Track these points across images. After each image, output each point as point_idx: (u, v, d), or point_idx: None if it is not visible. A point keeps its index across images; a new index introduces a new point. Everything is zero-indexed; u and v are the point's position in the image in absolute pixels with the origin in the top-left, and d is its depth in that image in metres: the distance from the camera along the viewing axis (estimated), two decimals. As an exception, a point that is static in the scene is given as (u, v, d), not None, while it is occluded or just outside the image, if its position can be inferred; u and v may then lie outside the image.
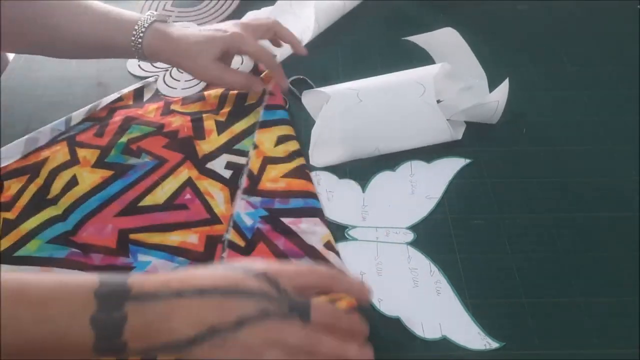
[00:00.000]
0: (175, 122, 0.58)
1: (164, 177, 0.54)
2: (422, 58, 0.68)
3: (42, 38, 0.55)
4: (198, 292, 0.33)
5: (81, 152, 0.56)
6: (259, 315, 0.33)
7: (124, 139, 0.57)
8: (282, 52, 0.67)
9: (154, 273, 0.44)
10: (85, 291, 0.32)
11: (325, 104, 0.55)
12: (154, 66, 0.66)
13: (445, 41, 0.65)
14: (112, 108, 0.61)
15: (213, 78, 0.57)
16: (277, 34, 0.60)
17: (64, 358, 0.32)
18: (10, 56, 0.76)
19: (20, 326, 0.30)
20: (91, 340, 0.31)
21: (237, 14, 0.73)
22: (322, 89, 0.56)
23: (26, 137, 0.57)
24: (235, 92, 0.62)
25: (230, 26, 0.57)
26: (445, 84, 0.61)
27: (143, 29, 0.54)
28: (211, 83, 0.62)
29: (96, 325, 0.31)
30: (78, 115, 0.60)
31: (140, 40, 0.54)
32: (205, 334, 0.32)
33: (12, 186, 0.53)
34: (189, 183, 0.54)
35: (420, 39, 0.69)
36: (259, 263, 0.36)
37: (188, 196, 0.53)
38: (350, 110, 0.56)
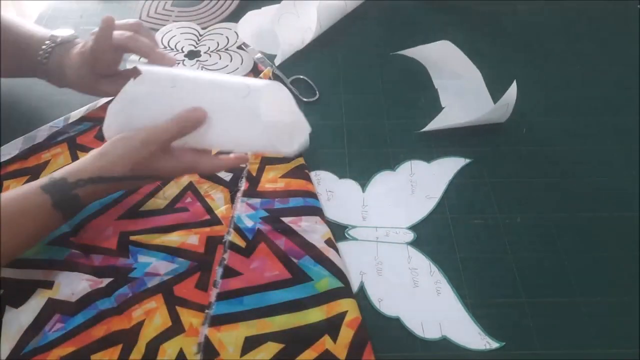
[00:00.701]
0: None
1: (165, 182, 0.54)
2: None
3: None
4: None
5: (82, 155, 0.56)
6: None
7: None
8: (283, 52, 0.67)
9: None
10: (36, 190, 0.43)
11: (133, 79, 0.48)
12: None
13: (439, 52, 0.65)
14: None
15: (88, 90, 0.55)
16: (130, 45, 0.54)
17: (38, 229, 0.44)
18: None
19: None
20: (49, 200, 0.43)
21: (237, 14, 0.73)
22: (141, 66, 0.48)
23: (24, 135, 0.57)
24: None
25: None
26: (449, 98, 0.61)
27: (52, 45, 0.54)
28: (86, 93, 0.57)
29: (48, 191, 0.43)
30: (77, 113, 0.60)
31: (47, 55, 0.54)
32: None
33: (11, 186, 0.53)
34: (190, 187, 0.53)
35: (413, 52, 0.68)
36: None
37: (189, 199, 0.53)
38: (158, 94, 0.48)
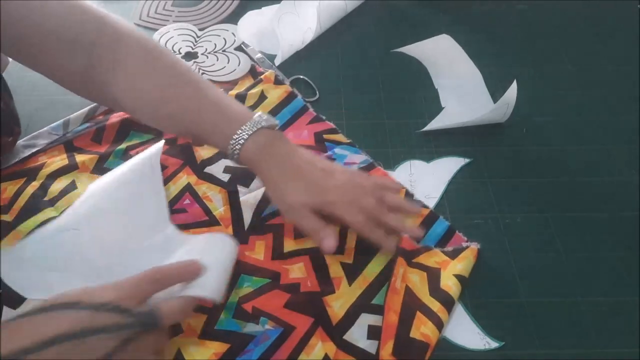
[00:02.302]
0: None
1: (163, 183, 0.54)
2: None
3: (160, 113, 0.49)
4: (49, 343, 0.33)
5: (79, 157, 0.56)
6: (122, 344, 0.35)
7: (122, 146, 0.57)
8: (283, 52, 0.67)
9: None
10: None
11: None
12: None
13: (438, 49, 0.65)
14: (110, 110, 0.61)
15: (290, 215, 0.47)
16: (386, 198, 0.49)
17: None
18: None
19: None
20: None
21: (237, 14, 0.73)
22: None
23: (22, 142, 0.57)
24: (233, 95, 0.62)
25: (343, 175, 0.48)
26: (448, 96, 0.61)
27: (246, 135, 0.47)
28: (288, 220, 0.51)
29: None
30: (76, 118, 0.59)
31: (239, 146, 0.47)
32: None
33: (9, 188, 0.53)
34: (188, 188, 0.53)
35: (412, 50, 0.68)
36: (98, 292, 0.37)
37: (187, 201, 0.53)
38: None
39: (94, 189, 0.52)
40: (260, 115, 0.48)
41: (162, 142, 0.56)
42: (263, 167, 0.48)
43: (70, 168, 0.55)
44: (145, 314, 0.37)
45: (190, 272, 0.41)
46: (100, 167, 0.55)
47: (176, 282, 0.41)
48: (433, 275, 0.46)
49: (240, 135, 0.47)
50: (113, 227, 0.49)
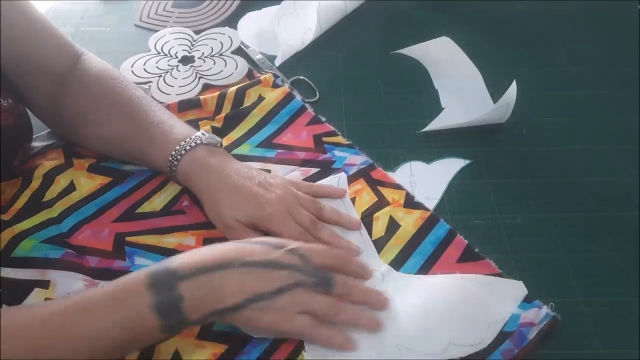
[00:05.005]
0: None
1: (162, 185, 0.54)
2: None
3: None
4: (242, 265, 0.39)
5: (77, 162, 0.55)
6: (293, 285, 0.40)
7: None
8: (283, 53, 0.67)
9: (190, 251, 0.42)
10: (139, 287, 0.37)
11: None
12: (147, 72, 0.65)
13: (438, 50, 0.65)
14: None
15: (229, 234, 0.48)
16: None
17: (140, 345, 0.40)
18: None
19: (97, 341, 0.36)
20: (158, 323, 0.37)
21: (237, 14, 0.73)
22: None
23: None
24: (233, 92, 0.62)
25: (279, 190, 0.48)
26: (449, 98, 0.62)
27: (182, 152, 0.49)
28: (224, 234, 0.50)
29: (159, 311, 0.37)
30: None
31: (176, 162, 0.49)
32: (249, 300, 0.39)
33: (7, 190, 0.53)
34: (187, 190, 0.53)
35: (412, 51, 0.68)
36: (292, 242, 0.42)
37: (185, 203, 0.53)
38: None
39: None
40: (202, 132, 0.50)
41: (344, 174, 0.54)
42: (200, 183, 0.49)
43: (66, 166, 0.54)
44: (324, 273, 0.42)
45: (361, 271, 0.46)
46: (97, 165, 0.55)
47: (351, 272, 0.45)
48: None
49: (179, 151, 0.49)
50: None
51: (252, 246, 0.41)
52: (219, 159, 0.49)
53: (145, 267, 0.39)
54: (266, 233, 0.48)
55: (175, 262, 0.39)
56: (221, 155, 0.50)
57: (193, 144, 0.49)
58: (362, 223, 0.50)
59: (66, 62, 0.53)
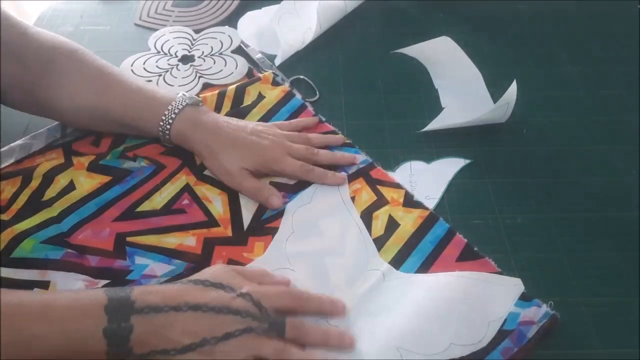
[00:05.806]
0: None
1: (162, 183, 0.54)
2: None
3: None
4: (193, 308, 0.39)
5: (76, 161, 0.55)
6: (242, 330, 0.39)
7: (120, 148, 0.57)
8: (283, 52, 0.67)
9: (151, 285, 0.44)
10: (96, 307, 0.37)
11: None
12: (147, 71, 0.65)
13: (438, 50, 0.65)
14: None
15: (233, 184, 0.52)
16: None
17: None
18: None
19: (44, 342, 0.36)
20: (104, 348, 0.37)
21: (237, 14, 0.73)
22: None
23: (20, 142, 0.57)
24: (233, 90, 0.62)
25: (270, 134, 0.53)
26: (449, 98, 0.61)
27: (173, 114, 0.52)
28: (229, 185, 0.53)
29: (108, 336, 0.37)
30: None
31: (169, 126, 0.52)
32: (196, 344, 0.38)
33: (6, 190, 0.52)
34: (187, 189, 0.53)
35: (412, 51, 0.68)
36: (245, 284, 0.42)
37: (186, 201, 0.52)
38: None
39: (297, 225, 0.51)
40: (182, 95, 0.53)
41: (344, 174, 0.54)
42: (196, 139, 0.52)
43: (66, 166, 0.54)
44: (276, 318, 0.40)
45: (331, 307, 0.44)
46: (96, 164, 0.55)
47: (314, 310, 0.43)
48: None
49: (169, 114, 0.52)
50: (324, 268, 0.48)
51: (206, 289, 0.41)
52: (208, 116, 0.53)
53: (108, 288, 0.40)
54: (266, 174, 0.53)
55: (136, 292, 0.39)
56: (208, 112, 0.54)
57: (180, 106, 0.52)
58: (352, 199, 0.52)
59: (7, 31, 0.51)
